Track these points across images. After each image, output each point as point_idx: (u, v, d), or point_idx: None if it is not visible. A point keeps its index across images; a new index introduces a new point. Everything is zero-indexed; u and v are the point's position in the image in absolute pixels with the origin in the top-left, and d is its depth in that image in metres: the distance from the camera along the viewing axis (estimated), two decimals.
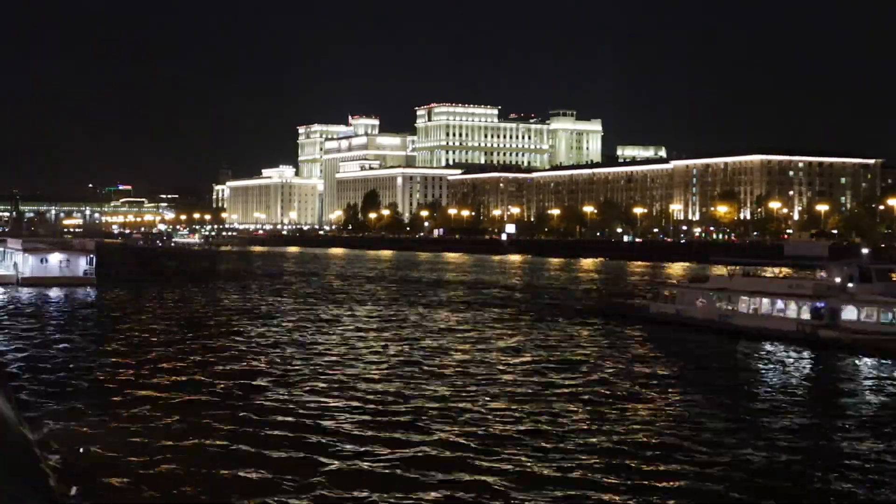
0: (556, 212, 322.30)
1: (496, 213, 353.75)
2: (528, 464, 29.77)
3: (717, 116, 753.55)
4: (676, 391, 44.02)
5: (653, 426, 35.72)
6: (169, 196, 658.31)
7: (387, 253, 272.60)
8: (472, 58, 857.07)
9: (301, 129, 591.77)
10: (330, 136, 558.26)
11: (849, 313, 60.01)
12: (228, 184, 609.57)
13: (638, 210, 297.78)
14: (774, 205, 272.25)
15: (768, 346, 60.13)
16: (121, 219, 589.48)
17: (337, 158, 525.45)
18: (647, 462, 30.31)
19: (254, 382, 43.87)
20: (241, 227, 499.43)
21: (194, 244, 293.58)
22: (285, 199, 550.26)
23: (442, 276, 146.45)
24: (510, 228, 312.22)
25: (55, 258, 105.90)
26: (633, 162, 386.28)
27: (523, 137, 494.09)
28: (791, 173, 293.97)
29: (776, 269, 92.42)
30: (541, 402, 40.13)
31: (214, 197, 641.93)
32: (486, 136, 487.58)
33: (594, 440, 33.19)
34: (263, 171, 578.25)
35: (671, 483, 28.06)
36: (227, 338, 61.30)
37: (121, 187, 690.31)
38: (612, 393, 42.80)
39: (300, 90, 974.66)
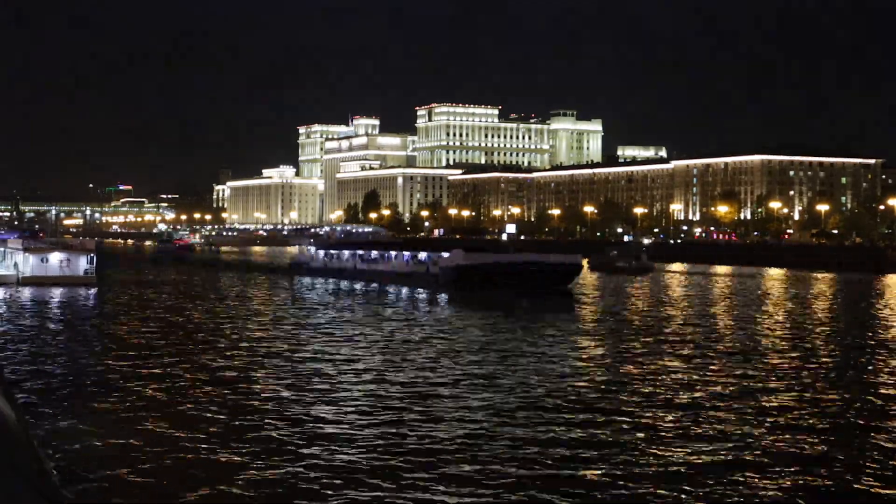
0: (556, 212, 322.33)
1: (496, 213, 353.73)
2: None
3: (717, 116, 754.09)
4: None
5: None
6: (169, 196, 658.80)
7: None
8: (472, 58, 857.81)
9: (301, 129, 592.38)
10: (330, 136, 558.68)
11: None
12: (229, 184, 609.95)
13: (638, 210, 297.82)
14: (775, 205, 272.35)
15: None
16: (121, 219, 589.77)
17: (337, 158, 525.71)
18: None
19: (257, 382, 43.78)
20: (242, 227, 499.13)
21: (195, 244, 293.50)
22: (286, 199, 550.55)
23: None
24: (510, 228, 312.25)
25: (55, 258, 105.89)
26: (634, 162, 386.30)
27: (524, 137, 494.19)
28: (791, 173, 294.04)
29: None
30: None
31: (215, 197, 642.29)
32: (486, 136, 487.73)
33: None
34: (264, 171, 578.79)
35: None
36: (230, 337, 61.21)
37: (121, 187, 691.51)
38: None
39: (300, 90, 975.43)
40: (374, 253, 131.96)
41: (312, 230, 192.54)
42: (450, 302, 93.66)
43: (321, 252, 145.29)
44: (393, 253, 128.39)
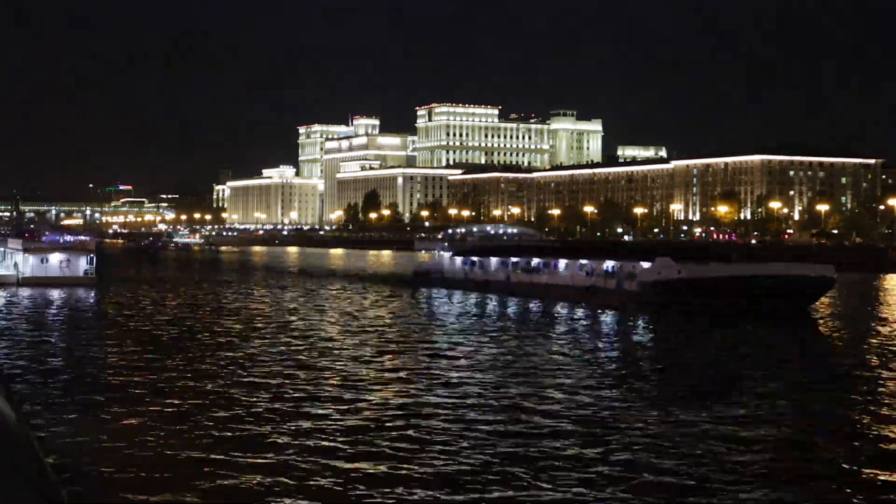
0: (556, 212, 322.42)
1: (496, 213, 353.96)
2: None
3: (717, 116, 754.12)
4: None
5: None
6: (169, 196, 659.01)
7: (387, 253, 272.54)
8: (472, 58, 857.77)
9: (301, 129, 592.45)
10: (330, 136, 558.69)
11: None
12: (229, 184, 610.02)
13: (638, 210, 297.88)
14: (775, 205, 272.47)
15: None
16: (121, 219, 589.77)
17: (337, 158, 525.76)
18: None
19: (256, 382, 43.78)
20: (242, 227, 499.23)
21: (195, 244, 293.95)
22: (286, 199, 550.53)
23: None
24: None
25: (55, 258, 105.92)
26: (634, 162, 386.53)
27: (523, 137, 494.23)
28: (791, 173, 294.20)
29: None
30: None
31: (215, 197, 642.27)
32: (486, 136, 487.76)
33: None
34: (264, 171, 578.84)
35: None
36: (228, 337, 61.21)
37: (121, 187, 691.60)
38: None
39: (300, 90, 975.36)
40: (536, 260, 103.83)
41: (449, 231, 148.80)
42: (652, 331, 70.89)
43: (458, 259, 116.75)
44: (563, 261, 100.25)
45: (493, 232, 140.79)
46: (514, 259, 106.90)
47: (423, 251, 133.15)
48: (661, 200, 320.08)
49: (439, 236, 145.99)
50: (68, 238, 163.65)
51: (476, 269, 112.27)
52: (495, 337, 62.66)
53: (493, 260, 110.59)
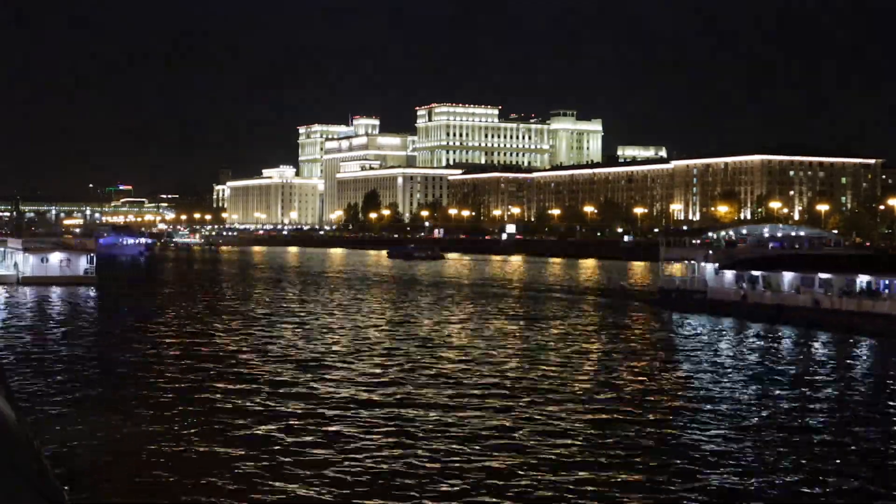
0: (556, 212, 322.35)
1: (496, 213, 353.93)
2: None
3: (717, 116, 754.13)
4: None
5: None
6: (169, 196, 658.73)
7: (386, 253, 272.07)
8: (472, 58, 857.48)
9: (302, 129, 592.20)
10: (330, 136, 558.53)
11: None
12: (229, 184, 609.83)
13: (638, 210, 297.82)
14: (775, 204, 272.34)
15: None
16: (121, 219, 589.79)
17: (337, 158, 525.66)
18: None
19: (254, 383, 43.78)
20: (242, 227, 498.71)
21: (195, 244, 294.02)
22: (286, 199, 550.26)
23: None
24: (510, 228, 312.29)
25: (56, 257, 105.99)
26: (634, 162, 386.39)
27: (523, 137, 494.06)
28: (791, 173, 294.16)
29: None
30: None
31: (215, 197, 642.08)
32: (486, 136, 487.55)
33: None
34: (264, 171, 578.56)
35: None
36: (227, 338, 61.18)
37: (121, 187, 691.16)
38: None
39: (300, 90, 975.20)
40: (865, 278, 74.24)
41: (710, 234, 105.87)
42: None
43: (729, 273, 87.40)
44: None
45: (768, 234, 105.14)
46: (822, 275, 77.73)
47: (672, 262, 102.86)
48: (661, 200, 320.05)
49: (696, 241, 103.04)
50: (129, 240, 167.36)
51: (759, 288, 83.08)
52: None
53: (788, 276, 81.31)
